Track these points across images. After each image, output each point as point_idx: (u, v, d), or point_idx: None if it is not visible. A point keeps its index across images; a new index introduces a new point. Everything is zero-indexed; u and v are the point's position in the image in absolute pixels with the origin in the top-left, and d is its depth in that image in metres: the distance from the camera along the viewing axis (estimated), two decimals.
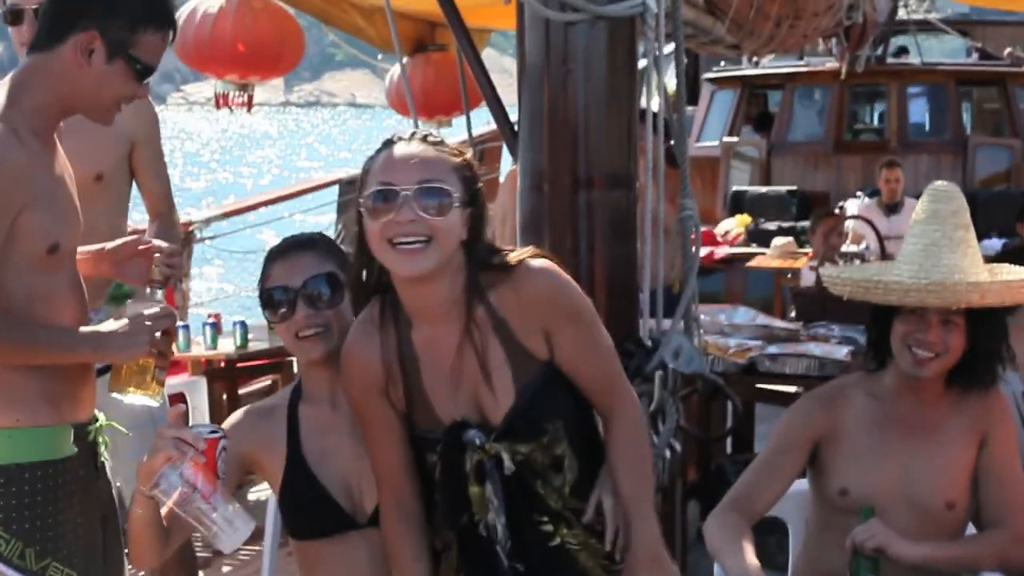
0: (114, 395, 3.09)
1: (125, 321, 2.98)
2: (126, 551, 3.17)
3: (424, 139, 2.70)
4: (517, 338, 2.74)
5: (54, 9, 2.98)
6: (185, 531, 2.89)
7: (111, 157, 4.31)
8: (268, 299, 2.97)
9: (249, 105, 7.12)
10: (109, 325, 2.99)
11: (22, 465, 2.93)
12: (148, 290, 3.16)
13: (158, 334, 3.00)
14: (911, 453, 3.42)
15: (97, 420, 3.14)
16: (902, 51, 13.75)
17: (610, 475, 2.82)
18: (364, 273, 2.77)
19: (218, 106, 7.11)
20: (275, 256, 3.01)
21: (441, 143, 2.71)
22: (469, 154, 2.77)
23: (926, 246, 3.36)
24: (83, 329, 3.02)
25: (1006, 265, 3.53)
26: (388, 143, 2.72)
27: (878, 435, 3.45)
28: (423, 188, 2.60)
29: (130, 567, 3.23)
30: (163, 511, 2.77)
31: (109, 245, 3.31)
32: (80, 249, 3.17)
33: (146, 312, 3.00)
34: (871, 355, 3.55)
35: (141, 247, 3.27)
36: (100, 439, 3.15)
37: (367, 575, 2.93)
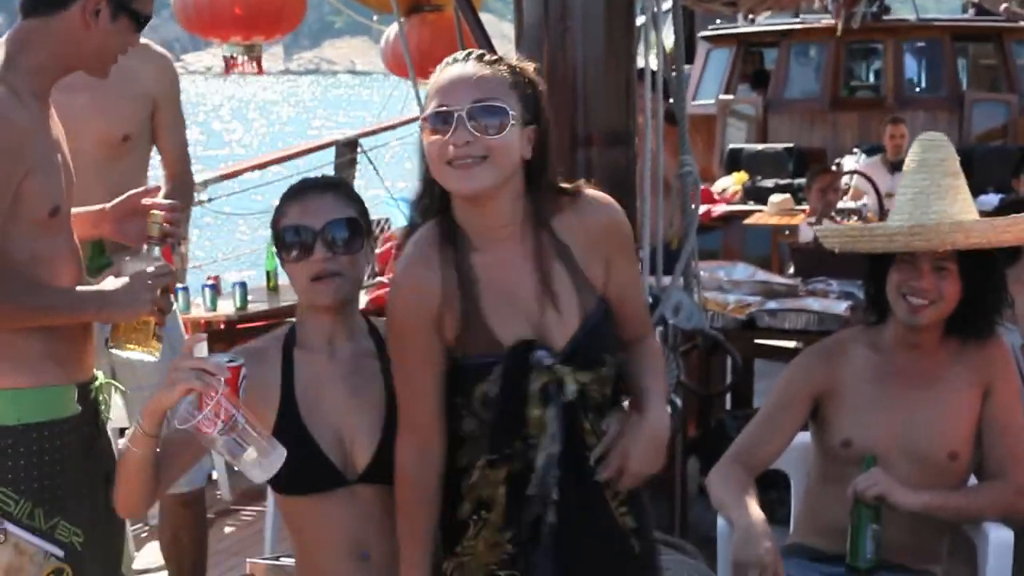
0: (113, 351, 3.11)
1: (126, 279, 2.99)
2: None
3: (480, 58, 2.66)
4: (579, 265, 2.72)
5: None
6: (173, 474, 2.83)
7: (137, 117, 4.32)
8: (285, 238, 2.89)
9: (259, 67, 7.12)
10: (111, 283, 3.00)
11: (29, 425, 2.94)
12: (145, 248, 3.12)
13: (158, 291, 3.01)
14: (913, 404, 3.44)
15: (97, 379, 3.15)
16: (884, 11, 13.67)
17: (633, 375, 2.81)
18: (427, 195, 2.72)
19: (228, 70, 7.10)
20: (293, 195, 2.93)
21: (499, 61, 2.66)
22: (532, 69, 2.70)
23: (915, 195, 3.37)
24: (88, 288, 3.03)
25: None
26: (446, 63, 2.68)
27: (879, 387, 3.47)
28: (477, 107, 2.57)
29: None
30: (157, 449, 2.71)
31: (108, 205, 3.31)
32: (76, 211, 3.17)
33: (148, 270, 3.00)
34: (870, 308, 3.57)
35: (143, 203, 3.27)
36: (101, 397, 3.16)
37: (354, 533, 2.87)
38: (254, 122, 55.88)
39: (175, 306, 4.57)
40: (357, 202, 2.95)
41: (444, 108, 2.58)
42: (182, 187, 4.43)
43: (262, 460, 2.56)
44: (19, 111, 2.88)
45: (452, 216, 2.69)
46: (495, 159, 2.57)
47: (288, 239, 2.88)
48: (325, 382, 2.89)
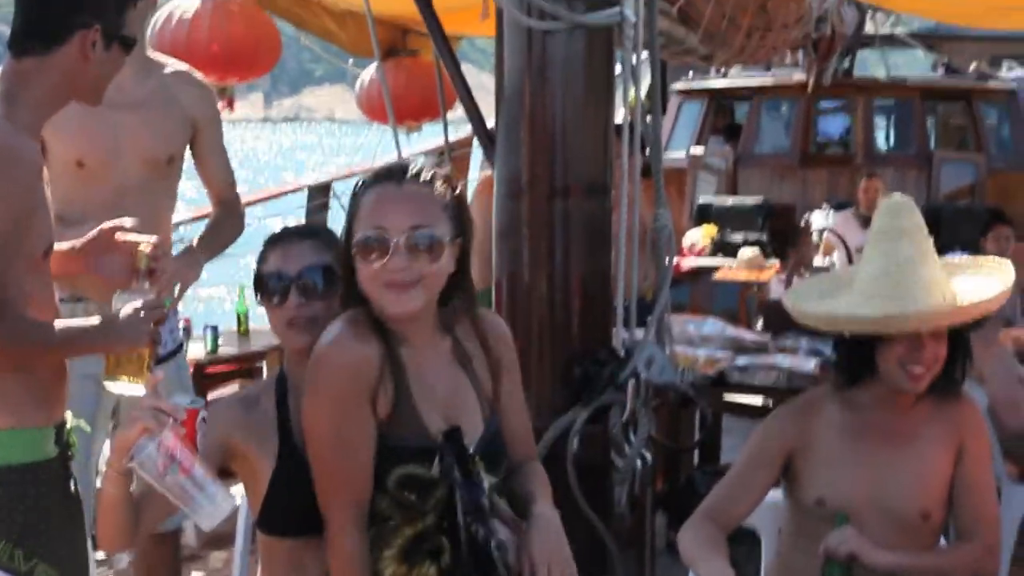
0: (106, 384, 3.13)
1: (124, 312, 3.01)
2: (92, 534, 3.17)
3: (416, 177, 2.71)
4: (478, 374, 2.86)
5: (45, 10, 2.99)
6: (157, 513, 2.81)
7: (181, 140, 4.35)
8: (263, 284, 2.96)
9: (230, 105, 7.11)
10: (107, 316, 3.03)
11: (12, 467, 2.94)
12: (135, 282, 3.16)
13: (151, 324, 3.02)
14: (886, 462, 3.43)
15: (67, 421, 3.13)
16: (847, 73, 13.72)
17: (521, 485, 2.90)
18: (348, 290, 2.78)
19: None
20: (274, 242, 3.00)
21: (431, 180, 2.72)
22: (459, 188, 2.80)
23: (900, 264, 3.33)
24: (92, 322, 3.04)
25: (957, 259, 3.61)
26: (377, 179, 2.73)
27: (853, 445, 3.46)
28: (415, 234, 2.65)
29: (101, 555, 3.21)
30: (132, 487, 2.72)
31: (78, 242, 3.29)
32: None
33: (142, 303, 3.03)
34: (844, 375, 3.53)
35: (119, 238, 3.25)
36: (72, 439, 3.14)
37: None
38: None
39: (183, 345, 4.58)
40: (334, 244, 2.95)
41: (381, 233, 2.65)
42: (231, 211, 4.43)
43: (207, 507, 2.59)
44: (30, 147, 2.93)
45: (369, 310, 2.74)
46: (427, 283, 2.68)
47: (267, 285, 2.95)
48: None
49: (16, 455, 2.95)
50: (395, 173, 2.73)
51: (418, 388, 2.73)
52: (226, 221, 4.40)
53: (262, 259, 2.99)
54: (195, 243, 4.21)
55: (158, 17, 6.75)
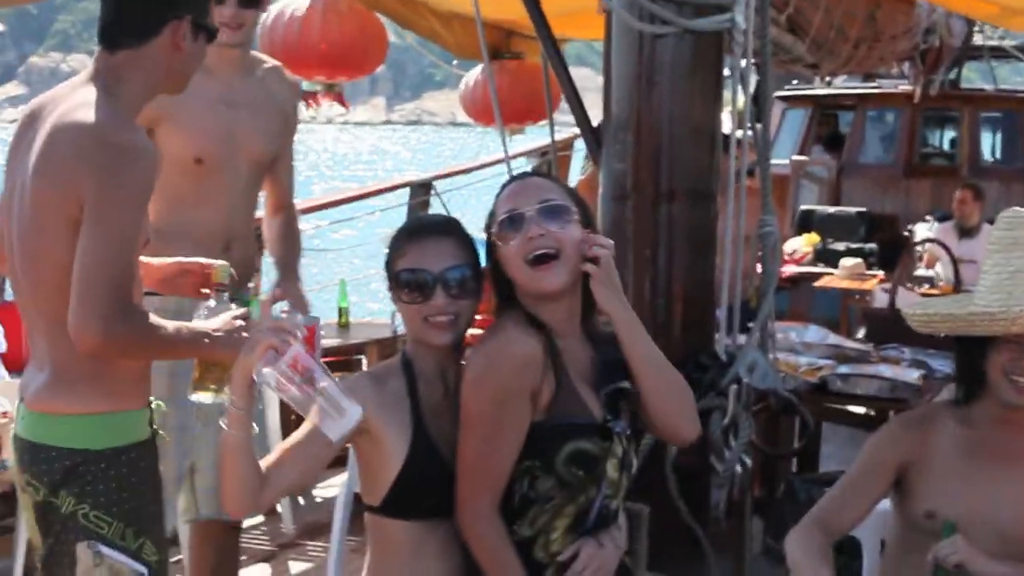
0: (192, 396, 3.22)
1: (221, 320, 3.09)
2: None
3: (536, 174, 3.09)
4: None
5: (139, 4, 3.07)
6: (289, 478, 2.81)
7: (284, 140, 4.43)
8: (401, 279, 2.97)
9: (341, 100, 7.19)
10: (205, 325, 3.10)
11: (118, 448, 3.02)
12: (214, 297, 3.25)
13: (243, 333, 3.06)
14: (1002, 481, 3.38)
15: (152, 404, 3.22)
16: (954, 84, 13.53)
17: None
18: (500, 298, 2.99)
19: (308, 105, 7.18)
20: (412, 235, 3.03)
21: (555, 178, 3.04)
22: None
23: (1012, 273, 3.32)
24: (198, 326, 3.10)
25: None
26: (511, 180, 3.02)
27: (967, 461, 3.42)
28: (544, 207, 2.88)
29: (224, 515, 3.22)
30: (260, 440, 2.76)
31: (155, 262, 3.40)
32: None
33: (239, 314, 3.12)
34: (960, 390, 3.50)
35: (186, 267, 3.42)
36: (157, 423, 3.22)
37: (453, 568, 2.92)
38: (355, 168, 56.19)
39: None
40: (472, 245, 3.04)
41: (513, 211, 2.89)
42: (292, 218, 4.51)
43: (337, 417, 2.59)
44: (150, 141, 3.03)
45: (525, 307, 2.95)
46: (566, 252, 2.87)
47: (405, 281, 2.97)
48: (443, 416, 2.96)
49: (119, 437, 3.04)
50: (525, 174, 3.09)
51: (575, 373, 2.91)
52: (295, 233, 4.48)
53: (399, 253, 3.01)
54: (281, 263, 4.31)
55: (268, 15, 6.84)
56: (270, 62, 4.45)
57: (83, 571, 2.97)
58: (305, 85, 7.18)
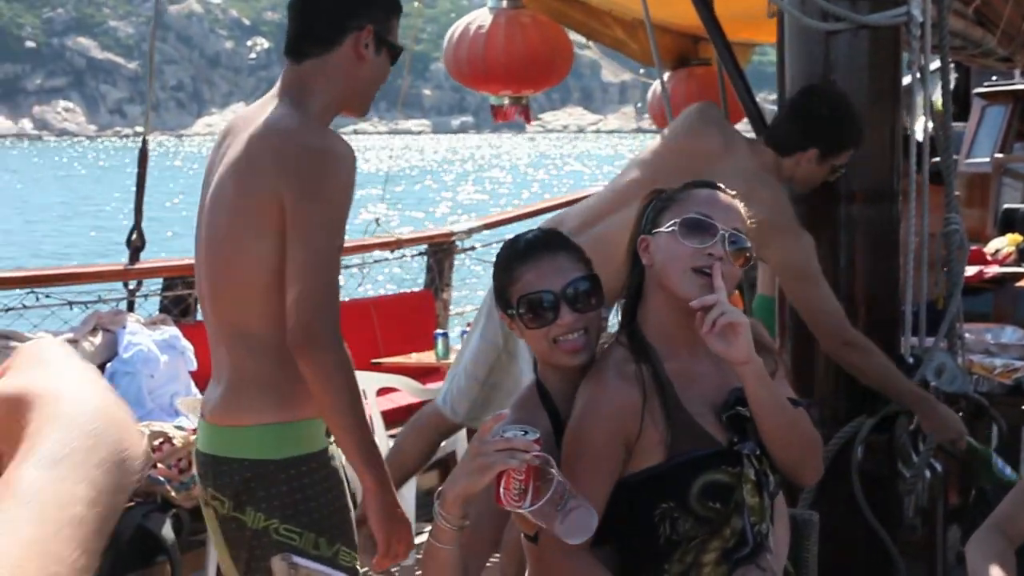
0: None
1: None
2: None
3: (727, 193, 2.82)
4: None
5: (322, 14, 3.13)
6: (480, 565, 2.72)
7: None
8: (521, 307, 2.81)
9: (527, 114, 7.23)
10: None
11: (298, 457, 3.05)
12: None
13: None
14: None
15: None
16: None
17: None
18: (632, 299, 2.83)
19: (496, 119, 7.23)
20: (522, 258, 2.87)
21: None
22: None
23: None
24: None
25: None
26: (702, 183, 2.84)
27: None
28: (736, 234, 2.71)
29: None
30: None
31: None
32: None
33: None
34: None
35: None
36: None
37: None
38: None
39: None
40: (583, 254, 2.90)
41: (708, 218, 2.69)
42: None
43: (582, 522, 2.46)
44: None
45: (636, 329, 2.78)
46: (729, 284, 2.69)
47: (528, 307, 2.81)
48: None
49: (298, 446, 3.06)
50: (711, 183, 2.85)
51: (688, 398, 2.73)
52: None
53: (512, 278, 2.85)
54: None
55: (453, 32, 6.92)
56: None
57: None
58: (492, 99, 7.24)
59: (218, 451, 3.09)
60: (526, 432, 2.47)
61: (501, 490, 2.42)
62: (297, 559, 2.97)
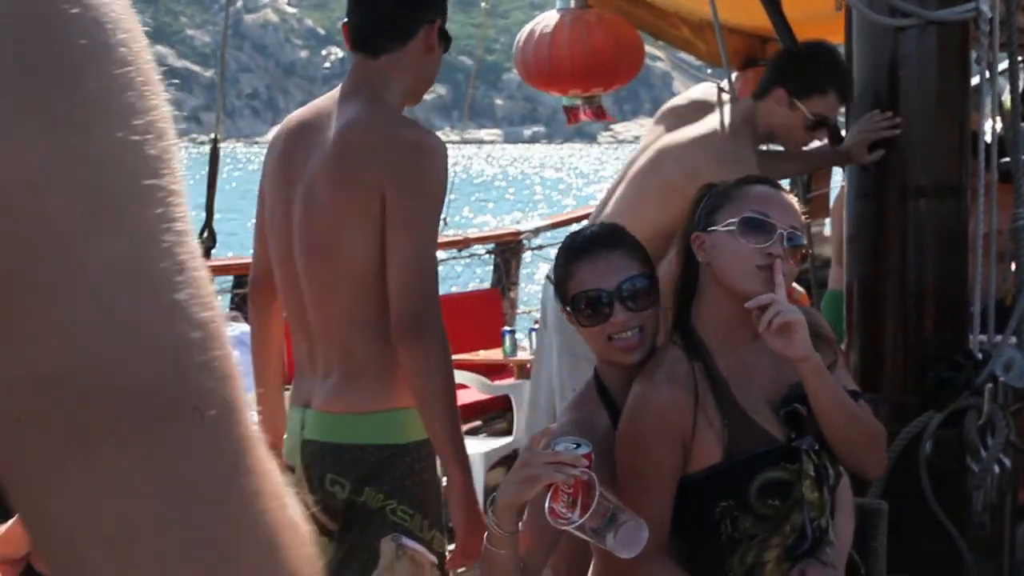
0: None
1: None
2: None
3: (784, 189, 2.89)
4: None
5: (397, 9, 3.21)
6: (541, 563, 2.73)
7: None
8: (577, 304, 2.84)
9: (602, 113, 7.23)
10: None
11: (419, 442, 3.13)
12: None
13: None
14: None
15: None
16: None
17: None
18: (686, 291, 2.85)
19: (570, 121, 7.25)
20: (580, 254, 2.90)
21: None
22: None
23: None
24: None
25: None
26: (757, 180, 2.89)
27: None
28: (793, 234, 2.74)
29: None
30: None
31: None
32: None
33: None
34: None
35: None
36: None
37: None
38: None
39: None
40: (641, 250, 2.92)
41: (768, 219, 2.72)
42: None
43: (631, 537, 2.47)
44: None
45: (690, 327, 2.79)
46: (787, 281, 2.70)
47: (583, 304, 2.84)
48: None
49: (419, 431, 3.12)
50: (765, 179, 2.90)
51: (745, 394, 2.75)
52: None
53: (569, 274, 2.89)
54: None
55: (521, 36, 6.95)
56: None
57: (385, 565, 3.03)
58: (564, 100, 7.25)
59: (341, 438, 3.15)
60: (578, 445, 2.48)
61: (549, 503, 2.43)
62: (405, 540, 3.03)
